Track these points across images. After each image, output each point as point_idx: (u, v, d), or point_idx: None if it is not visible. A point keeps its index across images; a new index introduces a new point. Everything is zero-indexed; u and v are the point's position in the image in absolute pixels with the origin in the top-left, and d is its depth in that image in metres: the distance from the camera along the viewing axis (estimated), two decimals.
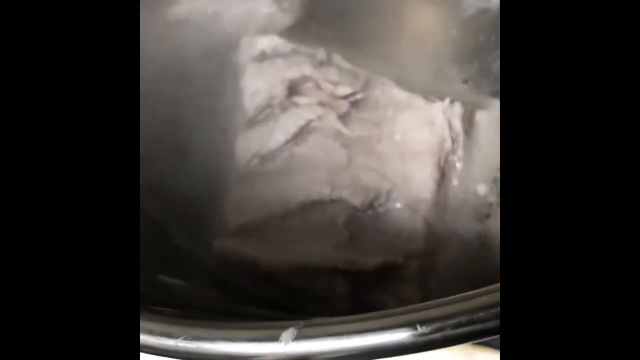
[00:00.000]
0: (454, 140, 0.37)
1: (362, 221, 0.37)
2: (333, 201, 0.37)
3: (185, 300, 0.33)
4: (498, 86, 0.38)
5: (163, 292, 0.32)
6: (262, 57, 0.41)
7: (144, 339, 0.22)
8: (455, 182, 0.37)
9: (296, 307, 0.36)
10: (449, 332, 0.19)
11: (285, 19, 0.42)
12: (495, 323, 0.18)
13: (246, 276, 0.38)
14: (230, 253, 0.38)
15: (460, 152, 0.37)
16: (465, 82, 0.39)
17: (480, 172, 0.37)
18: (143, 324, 0.22)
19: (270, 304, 0.36)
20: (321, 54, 0.40)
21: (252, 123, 0.40)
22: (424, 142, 0.37)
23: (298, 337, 0.20)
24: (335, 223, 0.37)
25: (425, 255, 0.36)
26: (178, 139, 0.41)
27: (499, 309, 0.18)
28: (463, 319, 0.19)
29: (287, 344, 0.20)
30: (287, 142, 0.39)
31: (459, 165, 0.37)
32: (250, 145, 0.39)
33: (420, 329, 0.19)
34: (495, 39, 0.39)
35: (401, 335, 0.19)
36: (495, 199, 0.36)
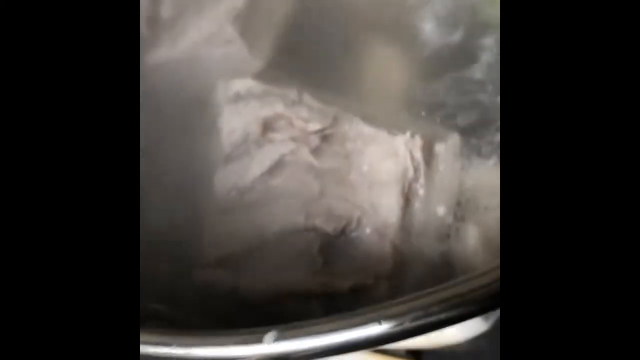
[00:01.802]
0: (415, 170, 0.40)
1: (335, 246, 0.39)
2: (307, 229, 0.39)
3: (169, 322, 0.35)
4: (453, 119, 0.42)
5: (148, 314, 0.34)
6: (237, 98, 0.43)
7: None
8: (418, 206, 0.40)
9: None
10: (408, 325, 0.21)
11: (258, 63, 0.45)
12: (447, 314, 0.21)
13: (226, 303, 0.39)
14: (209, 283, 0.40)
15: (421, 180, 0.40)
16: (424, 115, 0.42)
17: (440, 197, 0.40)
18: None
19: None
20: (292, 93, 0.42)
21: (229, 159, 0.42)
22: (389, 172, 0.40)
23: (279, 338, 0.23)
24: (310, 249, 0.39)
25: (394, 276, 0.38)
26: (157, 175, 0.43)
27: (449, 303, 0.21)
28: (419, 313, 0.21)
29: (270, 345, 0.23)
30: (263, 175, 0.41)
31: (421, 191, 0.40)
32: (228, 179, 0.41)
33: (384, 324, 0.21)
34: (450, 75, 0.43)
35: (368, 331, 0.22)
36: (452, 220, 0.39)
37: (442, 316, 0.21)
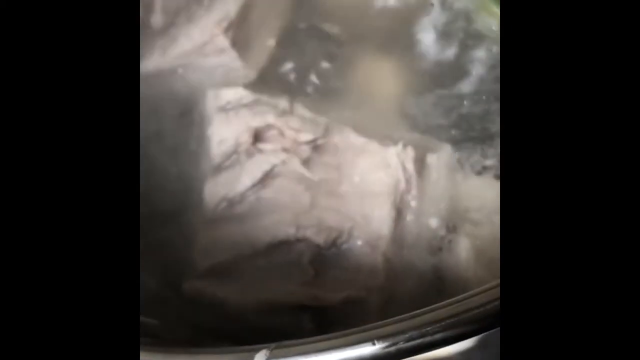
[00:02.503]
0: (407, 181, 0.39)
1: (326, 258, 0.39)
2: (298, 240, 0.39)
3: (157, 336, 0.34)
4: (446, 131, 0.42)
5: None
6: (228, 107, 0.43)
7: None
8: (410, 218, 0.40)
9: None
10: (402, 345, 0.21)
11: (250, 72, 0.45)
12: (442, 335, 0.21)
13: (215, 315, 0.39)
14: (199, 294, 0.39)
15: (413, 191, 0.40)
16: (416, 126, 0.42)
17: (432, 209, 0.40)
18: None
19: (239, 342, 0.38)
20: (283, 103, 0.42)
21: (219, 169, 0.42)
22: (381, 183, 0.40)
23: (270, 358, 0.22)
24: (300, 261, 0.39)
25: (385, 289, 0.38)
26: (146, 185, 0.43)
27: (443, 323, 0.21)
28: (414, 333, 0.21)
29: None
30: (253, 185, 0.40)
31: (413, 203, 0.40)
32: (218, 189, 0.41)
33: (377, 344, 0.21)
34: (443, 86, 0.43)
35: (361, 351, 0.21)
36: (444, 232, 0.39)
37: (438, 336, 0.21)
